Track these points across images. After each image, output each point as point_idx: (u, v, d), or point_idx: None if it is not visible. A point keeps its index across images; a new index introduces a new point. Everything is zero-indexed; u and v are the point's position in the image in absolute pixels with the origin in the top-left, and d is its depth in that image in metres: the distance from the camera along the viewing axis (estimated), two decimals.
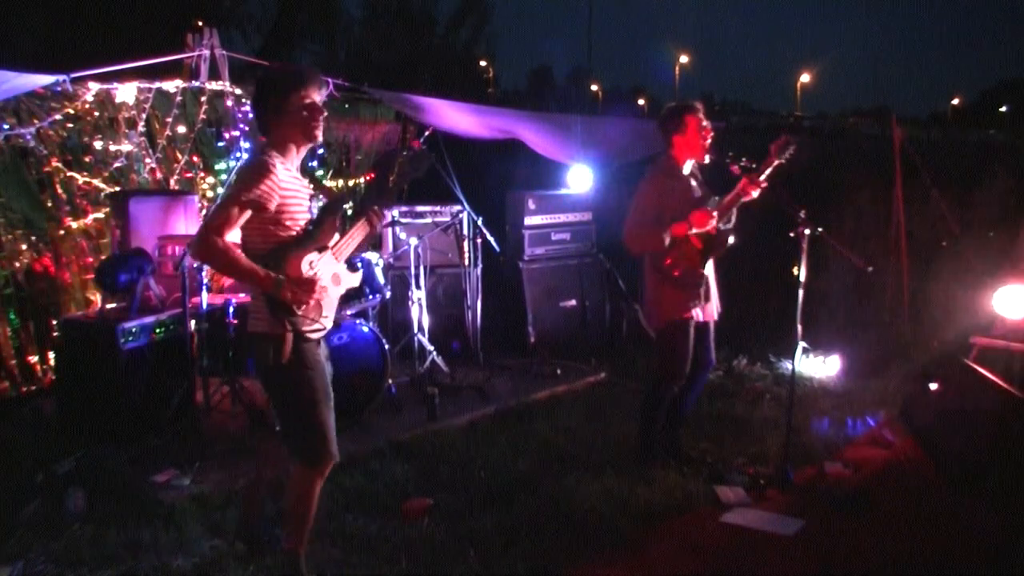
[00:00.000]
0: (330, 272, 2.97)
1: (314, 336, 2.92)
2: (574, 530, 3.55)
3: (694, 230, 3.95)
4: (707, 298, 4.12)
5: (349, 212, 6.04)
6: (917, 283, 7.11)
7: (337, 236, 3.01)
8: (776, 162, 3.92)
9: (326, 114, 2.91)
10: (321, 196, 3.08)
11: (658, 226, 3.97)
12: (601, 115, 17.21)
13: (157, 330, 4.64)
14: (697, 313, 4.09)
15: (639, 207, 4.04)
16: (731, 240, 4.06)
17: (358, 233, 3.09)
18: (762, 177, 3.93)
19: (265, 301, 2.83)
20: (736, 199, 3.98)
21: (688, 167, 4.11)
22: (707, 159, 4.12)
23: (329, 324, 2.99)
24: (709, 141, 4.04)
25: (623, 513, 3.71)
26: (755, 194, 3.96)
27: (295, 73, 2.89)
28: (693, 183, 4.12)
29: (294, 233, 2.88)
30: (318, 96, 2.88)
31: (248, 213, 2.78)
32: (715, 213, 3.95)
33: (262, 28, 23.95)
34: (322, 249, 2.93)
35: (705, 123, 4.03)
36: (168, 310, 4.76)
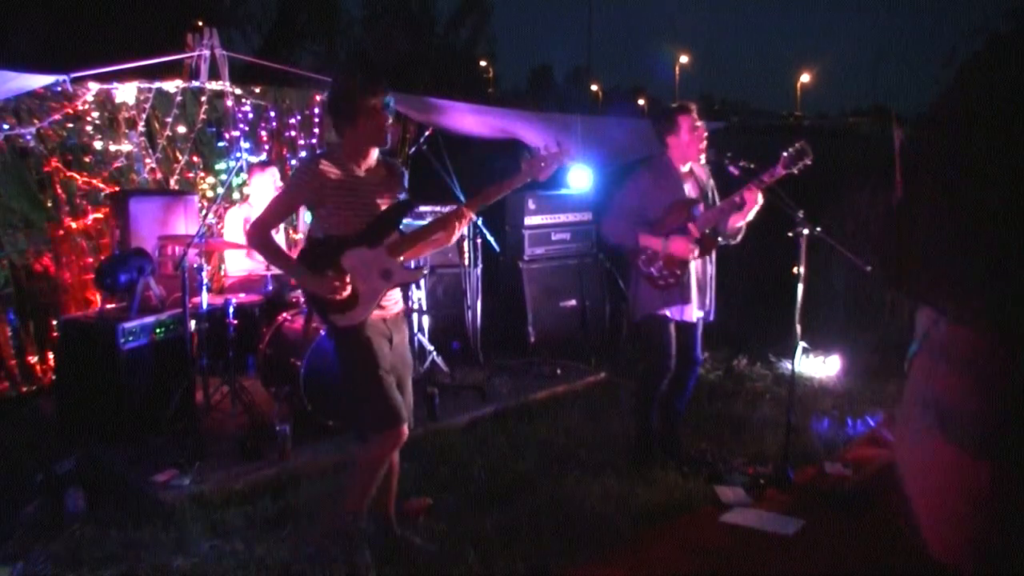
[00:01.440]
0: (378, 267, 3.12)
1: (344, 322, 3.10)
2: (574, 530, 3.55)
3: (667, 251, 3.95)
4: (687, 298, 4.06)
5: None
6: None
7: (397, 234, 3.19)
8: (783, 173, 3.81)
9: (391, 120, 3.12)
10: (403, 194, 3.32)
11: (638, 223, 3.99)
12: (601, 115, 17.20)
13: (157, 330, 4.64)
14: (675, 312, 4.07)
15: (618, 201, 4.12)
16: (721, 241, 4.05)
17: (426, 233, 3.25)
18: (765, 185, 3.86)
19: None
20: (730, 207, 3.95)
21: (687, 166, 4.11)
22: (703, 160, 4.12)
23: (362, 314, 3.11)
24: (703, 143, 4.03)
25: (623, 513, 3.71)
26: (759, 203, 3.90)
27: (363, 82, 3.09)
28: (690, 184, 4.11)
29: (350, 226, 3.09)
30: (381, 102, 3.07)
31: (296, 208, 3.21)
32: (693, 246, 3.94)
33: (262, 28, 23.97)
34: (373, 245, 3.11)
35: (698, 124, 4.03)
36: (168, 310, 4.76)
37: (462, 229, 3.30)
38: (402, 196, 3.25)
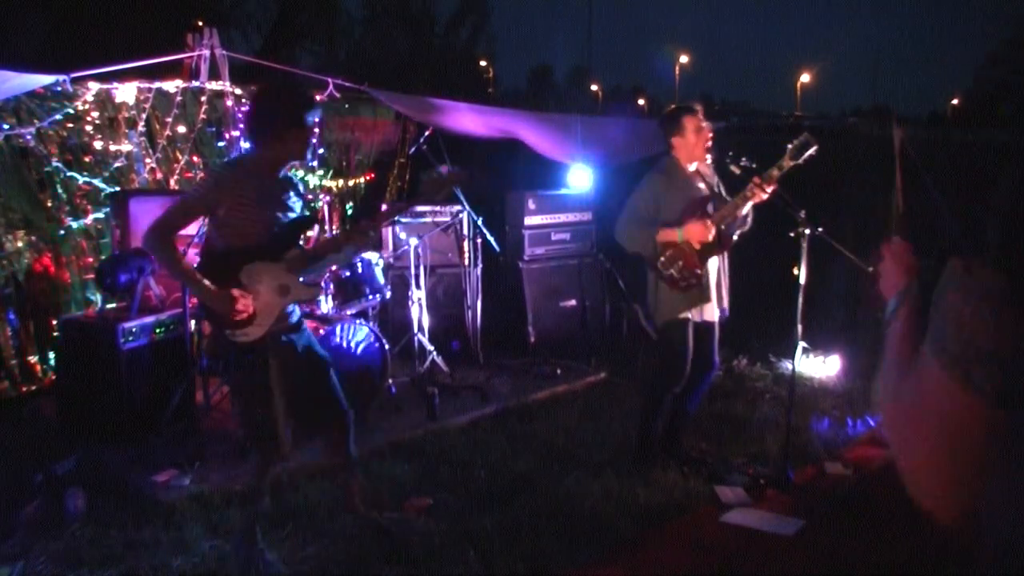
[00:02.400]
0: (276, 283, 3.05)
1: (241, 339, 3.02)
2: (574, 530, 3.55)
3: (684, 238, 3.94)
4: (707, 298, 4.08)
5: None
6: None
7: (297, 250, 3.13)
8: (791, 164, 3.79)
9: (316, 132, 3.10)
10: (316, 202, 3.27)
11: (651, 226, 3.98)
12: (601, 115, 17.18)
13: (157, 330, 4.64)
14: (696, 313, 4.08)
15: (631, 206, 4.07)
16: (735, 237, 4.05)
17: (323, 250, 3.24)
18: (774, 179, 3.81)
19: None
20: (743, 202, 3.93)
21: (694, 166, 4.11)
22: (708, 159, 4.12)
23: (257, 332, 3.03)
24: (708, 143, 4.03)
25: (623, 513, 3.71)
26: (764, 197, 3.88)
27: (300, 99, 3.05)
28: (700, 183, 4.11)
29: (253, 239, 3.00)
30: (313, 118, 3.04)
31: (207, 211, 2.99)
32: (711, 225, 3.92)
33: (262, 28, 23.99)
34: (274, 259, 3.06)
35: (704, 125, 4.03)
36: (168, 310, 4.76)
37: (361, 251, 3.32)
38: (295, 213, 3.19)
